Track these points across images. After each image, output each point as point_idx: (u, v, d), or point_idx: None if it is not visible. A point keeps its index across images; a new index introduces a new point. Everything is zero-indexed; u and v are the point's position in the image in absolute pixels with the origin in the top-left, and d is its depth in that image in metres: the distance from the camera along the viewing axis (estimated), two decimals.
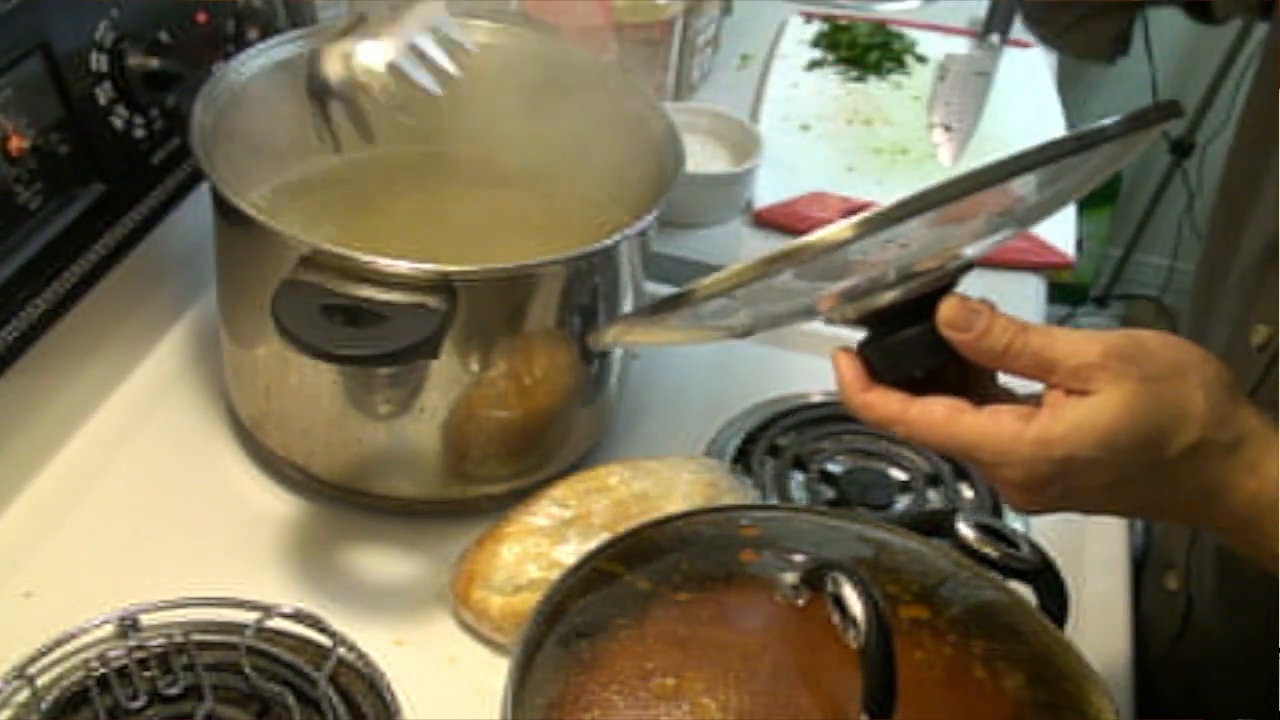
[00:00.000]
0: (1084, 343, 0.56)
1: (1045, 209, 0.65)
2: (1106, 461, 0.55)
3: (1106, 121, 0.54)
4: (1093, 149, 0.55)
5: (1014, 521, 0.86)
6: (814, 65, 1.39)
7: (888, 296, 0.59)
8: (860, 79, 1.38)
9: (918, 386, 0.60)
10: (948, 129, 1.29)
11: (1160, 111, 0.56)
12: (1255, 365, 0.78)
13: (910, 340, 0.59)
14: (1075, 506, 0.60)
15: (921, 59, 1.41)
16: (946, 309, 0.58)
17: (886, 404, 0.59)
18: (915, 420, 0.58)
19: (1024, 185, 0.58)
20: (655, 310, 0.67)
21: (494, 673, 0.61)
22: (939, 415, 0.58)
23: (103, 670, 0.70)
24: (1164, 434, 0.55)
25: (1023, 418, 0.56)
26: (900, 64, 1.40)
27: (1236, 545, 0.61)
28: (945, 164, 1.24)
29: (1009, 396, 0.61)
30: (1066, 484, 0.56)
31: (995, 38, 1.41)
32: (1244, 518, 0.57)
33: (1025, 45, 1.43)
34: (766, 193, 1.18)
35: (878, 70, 1.39)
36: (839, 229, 0.53)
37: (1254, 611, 0.75)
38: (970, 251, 0.60)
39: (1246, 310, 0.80)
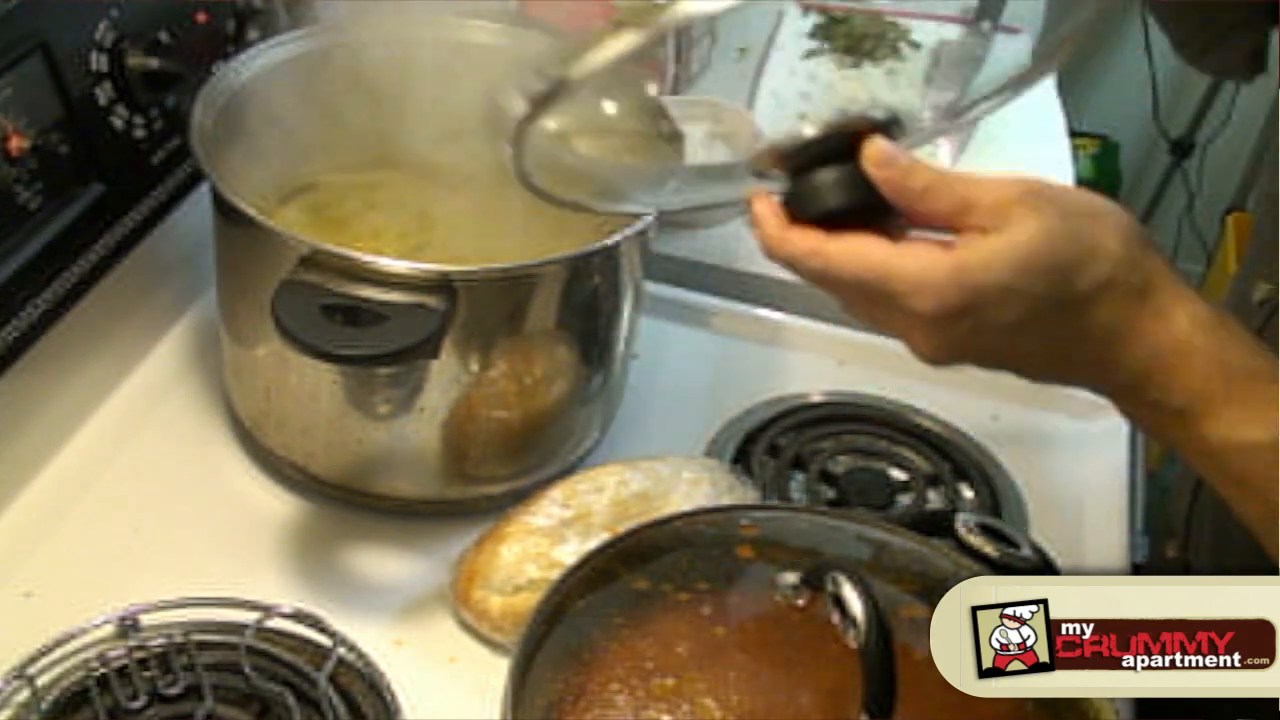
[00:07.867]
0: (1004, 183, 0.57)
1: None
2: (1019, 290, 0.56)
3: None
4: None
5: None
6: (810, 55, 1.41)
7: (811, 131, 0.59)
8: (856, 67, 1.39)
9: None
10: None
11: None
12: (1254, 320, 0.77)
13: (832, 179, 0.60)
14: (982, 350, 0.59)
15: (916, 46, 1.43)
16: (872, 146, 0.59)
17: (805, 238, 0.59)
18: (833, 252, 0.59)
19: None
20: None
21: (494, 673, 0.61)
22: (856, 245, 0.58)
23: (103, 670, 0.70)
24: (1076, 265, 0.56)
25: (939, 248, 0.57)
26: (895, 52, 1.41)
27: (1133, 408, 0.61)
28: (945, 162, 1.24)
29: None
30: (977, 318, 0.57)
31: (987, 24, 1.43)
32: (1144, 370, 0.58)
33: (1014, 31, 1.45)
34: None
35: (873, 58, 1.40)
36: None
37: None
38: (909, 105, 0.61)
39: (1250, 266, 0.80)
